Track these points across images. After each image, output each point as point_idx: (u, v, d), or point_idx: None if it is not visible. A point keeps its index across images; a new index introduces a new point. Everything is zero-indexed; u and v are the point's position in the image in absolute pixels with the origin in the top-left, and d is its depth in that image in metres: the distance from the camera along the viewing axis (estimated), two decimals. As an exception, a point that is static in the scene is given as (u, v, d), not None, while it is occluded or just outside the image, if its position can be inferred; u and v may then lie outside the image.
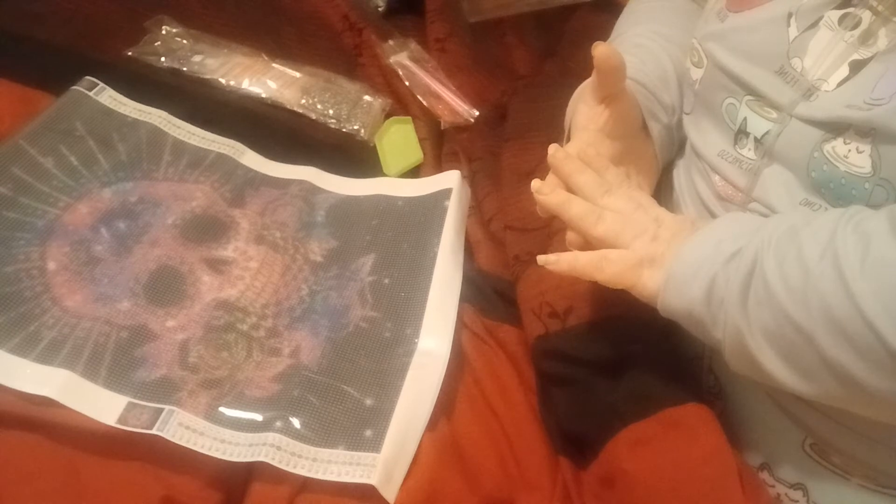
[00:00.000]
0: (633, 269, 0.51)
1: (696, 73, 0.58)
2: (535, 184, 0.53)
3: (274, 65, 0.83)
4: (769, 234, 0.47)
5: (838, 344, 0.42)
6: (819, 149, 0.48)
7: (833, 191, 0.48)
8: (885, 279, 0.41)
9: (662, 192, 0.68)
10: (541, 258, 0.52)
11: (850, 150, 0.47)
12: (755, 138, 0.53)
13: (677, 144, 0.66)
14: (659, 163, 0.63)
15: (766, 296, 0.45)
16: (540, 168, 0.72)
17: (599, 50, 0.53)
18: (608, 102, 0.57)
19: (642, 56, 0.64)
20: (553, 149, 0.55)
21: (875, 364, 0.42)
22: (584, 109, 0.59)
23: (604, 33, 0.72)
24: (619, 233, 0.52)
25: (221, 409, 0.54)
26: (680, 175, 0.64)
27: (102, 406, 0.52)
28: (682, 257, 0.49)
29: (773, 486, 0.58)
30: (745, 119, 0.54)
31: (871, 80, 0.46)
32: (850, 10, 0.49)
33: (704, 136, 0.58)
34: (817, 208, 0.50)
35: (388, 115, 0.82)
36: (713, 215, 0.58)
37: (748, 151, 0.54)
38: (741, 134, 0.54)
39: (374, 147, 0.79)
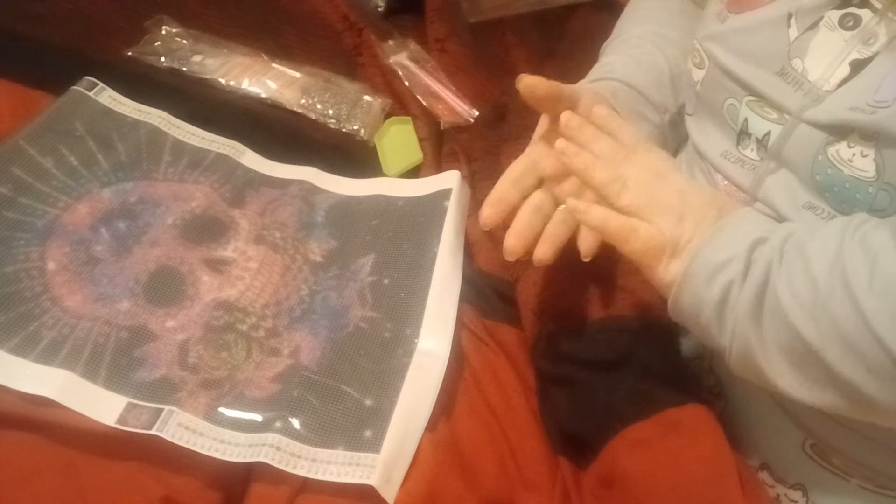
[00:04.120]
0: (657, 251, 0.50)
1: (698, 74, 0.58)
2: (560, 143, 0.52)
3: (274, 65, 0.83)
4: (779, 244, 0.46)
5: (848, 360, 0.42)
6: (823, 152, 0.48)
7: (837, 194, 0.48)
8: (894, 296, 0.41)
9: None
10: (570, 202, 0.50)
11: (854, 154, 0.47)
12: (757, 139, 0.53)
13: (674, 144, 0.66)
14: None
15: (777, 310, 0.45)
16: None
17: (523, 84, 0.53)
18: (556, 119, 0.57)
19: (637, 57, 0.64)
20: (567, 117, 0.54)
21: (885, 380, 0.42)
22: (541, 123, 0.59)
23: (604, 33, 0.73)
24: (644, 206, 0.50)
25: (221, 409, 0.54)
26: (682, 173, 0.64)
27: (102, 406, 0.52)
28: (701, 257, 0.48)
29: (772, 487, 0.59)
30: (745, 120, 0.54)
31: (875, 81, 0.46)
32: (850, 9, 0.49)
33: (707, 137, 0.58)
34: (819, 212, 0.50)
35: (387, 116, 0.82)
36: None
37: (751, 152, 0.54)
38: (743, 134, 0.54)
39: (374, 147, 0.79)
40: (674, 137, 0.66)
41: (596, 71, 0.65)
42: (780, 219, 0.52)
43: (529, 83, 0.53)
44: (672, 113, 0.64)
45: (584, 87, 0.62)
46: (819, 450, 0.55)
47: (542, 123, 0.59)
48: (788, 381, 0.46)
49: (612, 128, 0.55)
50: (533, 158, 0.57)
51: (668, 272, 0.50)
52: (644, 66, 0.63)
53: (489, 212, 0.55)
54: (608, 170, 0.51)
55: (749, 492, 0.52)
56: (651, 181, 0.52)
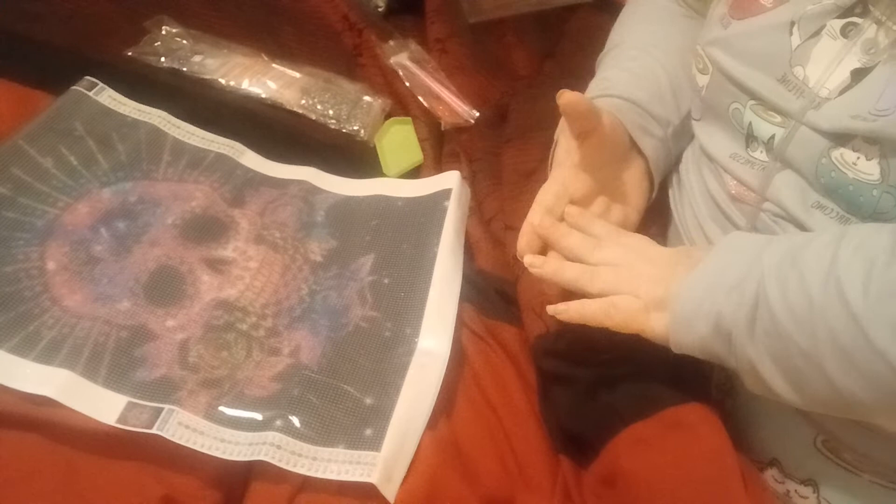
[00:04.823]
0: (641, 313, 0.51)
1: (702, 80, 0.58)
2: (528, 259, 0.56)
3: (274, 65, 0.83)
4: (769, 260, 0.47)
5: (847, 372, 0.42)
6: (827, 155, 0.48)
7: (842, 196, 0.49)
8: (892, 306, 0.41)
9: (671, 191, 0.68)
10: (550, 308, 0.54)
11: (858, 158, 0.47)
12: (763, 142, 0.53)
13: (675, 156, 0.66)
14: (652, 180, 0.64)
15: (772, 326, 0.45)
16: (541, 168, 0.72)
17: (564, 99, 0.54)
18: (584, 137, 0.58)
19: (635, 70, 0.64)
20: (538, 219, 0.57)
21: (885, 390, 0.42)
22: (563, 143, 0.60)
23: (604, 33, 0.73)
24: (617, 284, 0.53)
25: (221, 408, 0.54)
26: (690, 175, 0.64)
27: (102, 406, 0.52)
28: (683, 297, 0.50)
29: (782, 483, 0.58)
30: (750, 123, 0.54)
31: (876, 89, 0.46)
32: (852, 19, 0.49)
33: (715, 140, 0.59)
34: (829, 212, 0.50)
35: (388, 116, 0.82)
36: (726, 215, 0.58)
37: (760, 153, 0.54)
38: (751, 137, 0.54)
39: (374, 147, 0.79)
40: (676, 148, 0.66)
41: (595, 87, 0.65)
42: (791, 218, 0.52)
43: (572, 100, 0.54)
44: (675, 125, 0.64)
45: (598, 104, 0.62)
46: (831, 445, 0.55)
47: (567, 144, 0.59)
48: (793, 396, 0.47)
49: (582, 224, 0.57)
50: (562, 183, 0.59)
51: (658, 324, 0.51)
52: (644, 79, 0.63)
53: (525, 242, 0.57)
54: (575, 267, 0.54)
55: (752, 491, 0.52)
56: (620, 258, 0.54)
